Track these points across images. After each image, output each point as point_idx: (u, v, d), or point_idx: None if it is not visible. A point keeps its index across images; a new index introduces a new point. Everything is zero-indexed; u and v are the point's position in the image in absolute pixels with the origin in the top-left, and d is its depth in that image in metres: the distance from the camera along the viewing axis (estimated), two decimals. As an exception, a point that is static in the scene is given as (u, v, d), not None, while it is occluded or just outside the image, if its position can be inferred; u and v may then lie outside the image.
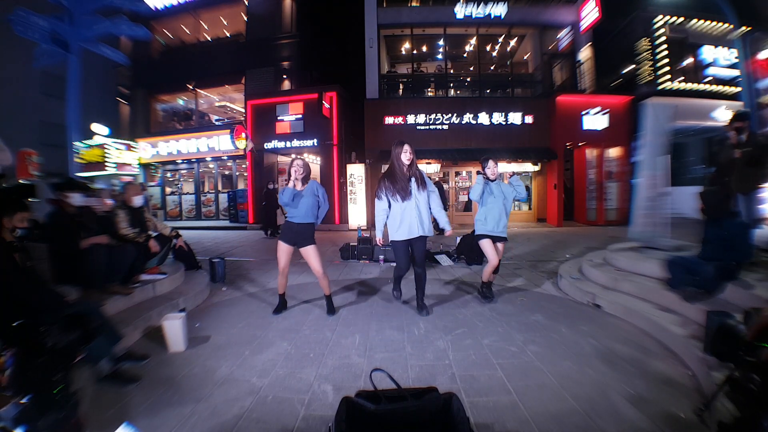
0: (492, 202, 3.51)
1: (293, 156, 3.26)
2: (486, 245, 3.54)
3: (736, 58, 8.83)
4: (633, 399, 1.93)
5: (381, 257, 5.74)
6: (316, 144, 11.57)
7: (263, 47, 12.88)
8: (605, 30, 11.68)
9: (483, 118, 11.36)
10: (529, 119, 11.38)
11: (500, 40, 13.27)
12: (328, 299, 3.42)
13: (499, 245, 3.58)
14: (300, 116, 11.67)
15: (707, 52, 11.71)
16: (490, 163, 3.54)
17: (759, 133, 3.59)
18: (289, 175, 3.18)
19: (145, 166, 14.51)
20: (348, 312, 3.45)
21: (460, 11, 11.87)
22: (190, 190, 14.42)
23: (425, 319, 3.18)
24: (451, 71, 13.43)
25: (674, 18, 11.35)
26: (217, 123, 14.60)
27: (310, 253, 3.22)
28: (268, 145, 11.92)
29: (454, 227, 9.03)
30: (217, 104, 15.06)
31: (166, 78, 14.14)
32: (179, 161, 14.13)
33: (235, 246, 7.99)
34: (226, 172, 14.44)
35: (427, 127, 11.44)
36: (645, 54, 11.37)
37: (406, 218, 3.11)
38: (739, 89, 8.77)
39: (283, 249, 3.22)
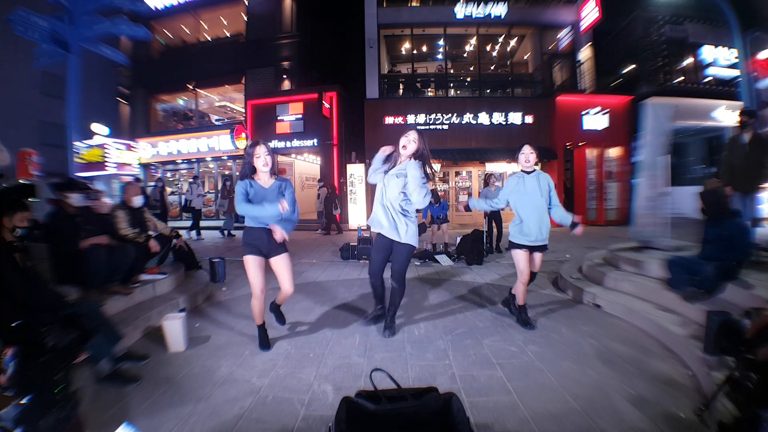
0: (527, 202, 2.87)
1: (257, 141, 2.54)
2: (519, 257, 2.90)
3: (736, 58, 8.83)
4: (633, 399, 1.93)
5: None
6: (316, 144, 11.57)
7: (263, 47, 12.88)
8: (605, 30, 11.69)
9: (483, 118, 11.37)
10: (529, 119, 11.38)
11: (500, 40, 13.28)
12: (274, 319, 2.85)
13: (537, 255, 2.97)
14: (300, 116, 11.67)
15: (707, 52, 11.72)
16: (526, 149, 2.90)
17: (761, 132, 3.59)
18: (253, 169, 2.50)
19: (145, 166, 14.52)
20: (348, 312, 3.45)
21: (460, 11, 11.87)
22: (190, 190, 14.41)
23: (425, 319, 3.17)
24: (451, 71, 13.44)
25: (674, 18, 11.35)
26: (217, 123, 14.60)
27: (282, 264, 2.56)
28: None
29: (454, 227, 9.06)
30: (217, 104, 15.06)
31: (166, 78, 14.14)
32: (179, 161, 14.13)
33: (236, 246, 7.98)
34: (227, 172, 14.42)
35: (427, 127, 11.44)
36: (645, 54, 11.37)
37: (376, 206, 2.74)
38: (739, 89, 8.77)
39: (253, 264, 2.52)
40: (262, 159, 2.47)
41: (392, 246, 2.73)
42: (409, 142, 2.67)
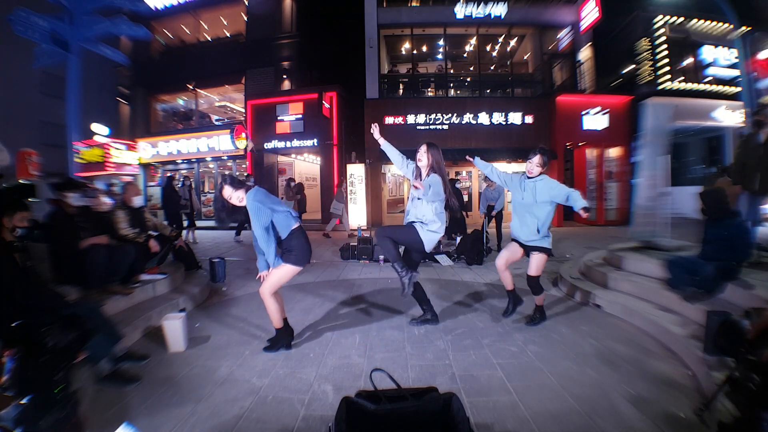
0: (517, 201, 3.02)
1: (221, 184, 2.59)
2: (508, 246, 3.09)
3: (736, 58, 8.85)
4: (633, 399, 1.93)
5: (381, 257, 5.74)
6: (316, 144, 11.57)
7: (263, 47, 12.87)
8: (605, 30, 11.68)
9: (483, 118, 11.37)
10: (529, 119, 11.38)
11: (500, 40, 13.27)
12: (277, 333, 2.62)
13: (532, 256, 2.96)
14: (300, 116, 11.67)
15: (707, 52, 11.71)
16: (535, 159, 2.90)
17: None
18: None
19: (145, 166, 14.52)
20: (348, 312, 3.45)
21: (460, 11, 11.87)
22: (190, 190, 14.41)
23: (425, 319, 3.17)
24: (451, 71, 13.43)
25: (674, 18, 11.35)
26: (217, 123, 14.59)
27: (277, 268, 2.54)
28: (268, 145, 11.92)
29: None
30: (217, 104, 15.05)
31: (166, 78, 14.12)
32: (179, 161, 14.13)
33: (236, 246, 7.99)
34: (227, 172, 14.43)
35: (427, 127, 11.44)
36: (645, 54, 11.37)
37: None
38: (739, 89, 8.78)
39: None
40: (234, 199, 2.52)
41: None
42: (422, 155, 2.84)
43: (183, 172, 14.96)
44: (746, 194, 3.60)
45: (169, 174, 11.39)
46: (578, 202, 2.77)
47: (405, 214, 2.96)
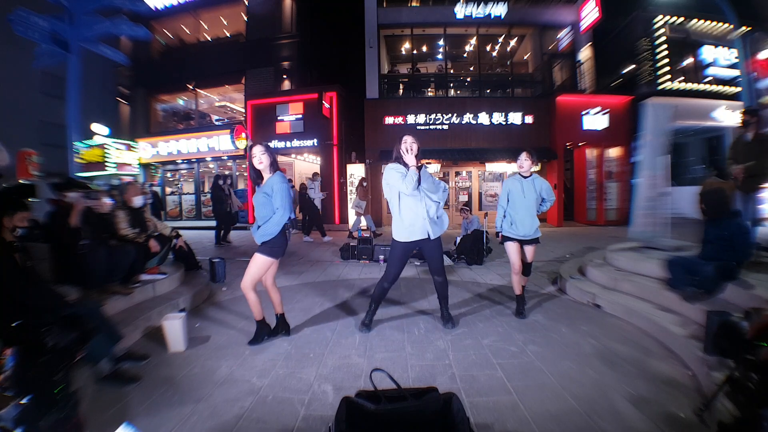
0: (522, 203, 3.13)
1: (252, 143, 2.71)
2: (511, 249, 3.19)
3: (736, 58, 8.85)
4: (633, 399, 1.93)
5: (381, 257, 5.74)
6: (316, 144, 11.57)
7: (263, 47, 12.88)
8: (605, 30, 11.68)
9: (483, 118, 11.37)
10: (529, 119, 11.38)
11: (500, 40, 13.28)
12: (279, 318, 2.86)
13: (529, 248, 3.20)
14: (300, 116, 11.67)
15: (707, 52, 11.70)
16: (522, 156, 3.12)
17: (764, 132, 3.57)
18: (256, 171, 2.69)
19: (145, 166, 14.52)
20: (348, 312, 3.45)
21: (460, 11, 11.87)
22: (190, 190, 14.41)
23: (425, 319, 3.18)
24: (451, 71, 13.43)
25: (674, 18, 11.35)
26: (217, 123, 14.60)
27: (253, 259, 2.66)
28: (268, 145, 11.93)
29: (453, 227, 9.06)
30: (217, 104, 15.06)
31: (166, 78, 14.13)
32: (179, 161, 14.13)
33: (236, 246, 7.98)
34: (226, 172, 14.43)
35: (427, 127, 11.44)
36: (645, 54, 11.37)
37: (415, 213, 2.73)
38: (739, 89, 8.78)
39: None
40: (256, 158, 2.59)
41: (420, 247, 2.87)
42: (412, 144, 2.68)
43: (183, 171, 14.99)
44: (739, 194, 3.62)
45: (216, 174, 11.36)
46: (535, 223, 3.13)
47: (408, 223, 2.74)
